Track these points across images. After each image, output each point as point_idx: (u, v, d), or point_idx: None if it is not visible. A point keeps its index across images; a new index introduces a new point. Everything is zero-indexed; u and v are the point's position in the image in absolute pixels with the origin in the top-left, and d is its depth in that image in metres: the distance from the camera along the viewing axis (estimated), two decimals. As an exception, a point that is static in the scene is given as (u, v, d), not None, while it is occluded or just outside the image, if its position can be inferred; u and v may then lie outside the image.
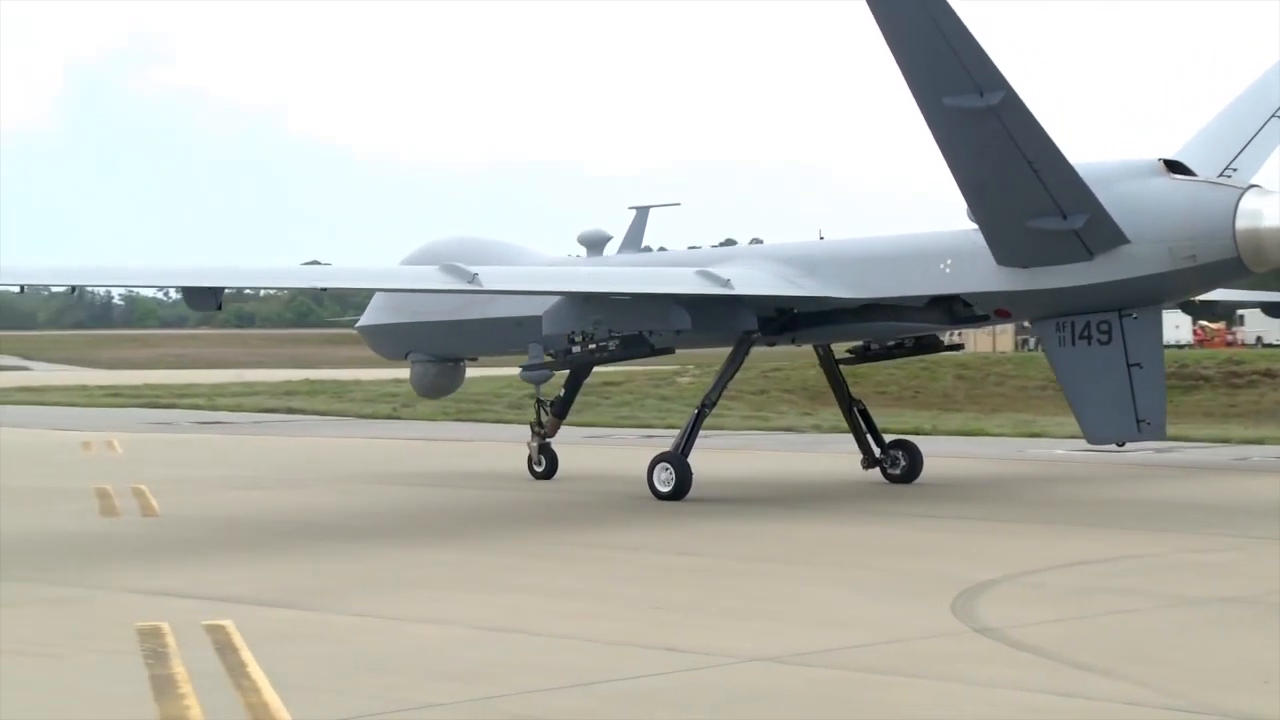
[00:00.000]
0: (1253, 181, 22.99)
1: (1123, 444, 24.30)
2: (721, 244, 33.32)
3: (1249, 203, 21.96)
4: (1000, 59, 20.71)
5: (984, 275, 23.23)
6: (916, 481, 26.36)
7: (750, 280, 24.70)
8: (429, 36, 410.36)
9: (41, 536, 20.51)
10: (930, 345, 27.10)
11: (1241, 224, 21.79)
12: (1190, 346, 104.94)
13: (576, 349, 25.29)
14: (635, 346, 25.28)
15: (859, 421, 27.44)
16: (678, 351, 27.55)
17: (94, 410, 54.21)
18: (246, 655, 12.17)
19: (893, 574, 16.41)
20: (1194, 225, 22.09)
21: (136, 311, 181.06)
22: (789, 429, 41.54)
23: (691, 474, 24.23)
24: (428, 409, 49.82)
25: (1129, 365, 22.55)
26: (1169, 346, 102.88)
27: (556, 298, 24.84)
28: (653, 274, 25.53)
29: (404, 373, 34.67)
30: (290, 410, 52.91)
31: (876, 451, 27.20)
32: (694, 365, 63.68)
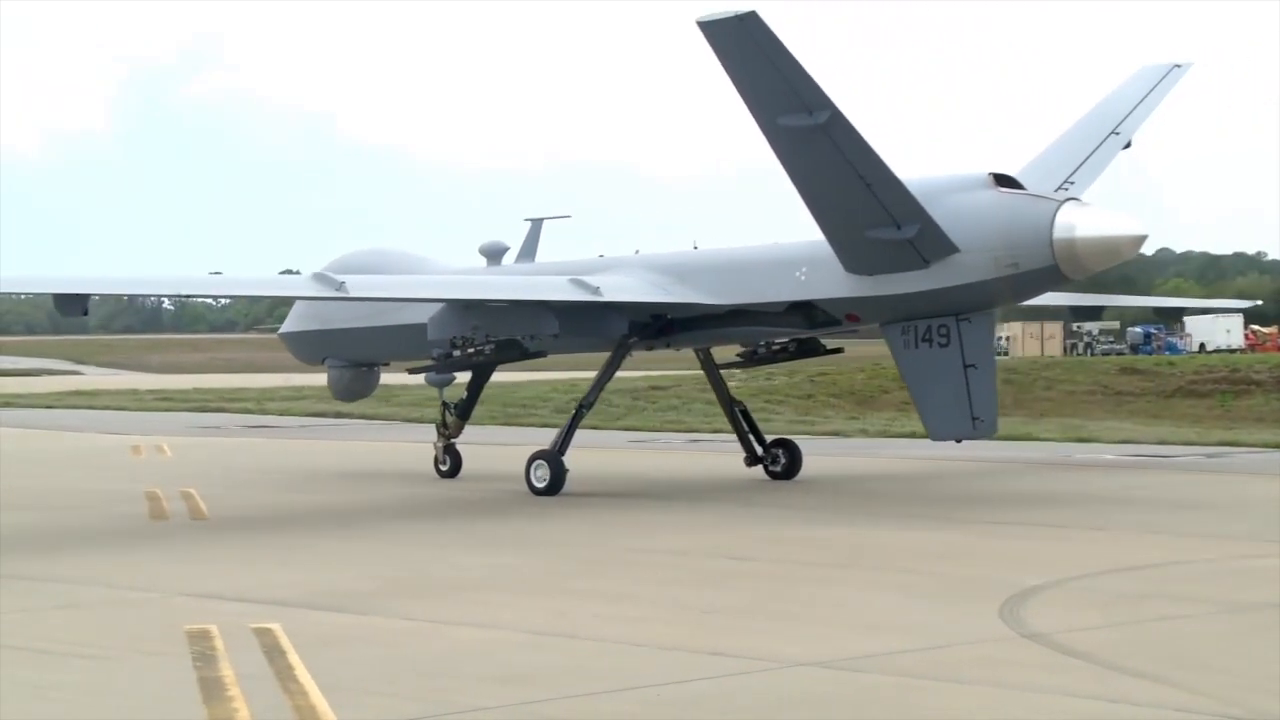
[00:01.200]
0: (1073, 194, 24.58)
1: (960, 441, 25.07)
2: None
3: (1065, 215, 23.43)
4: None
5: (834, 282, 24.76)
6: (799, 478, 27.94)
7: (622, 287, 26.33)
8: (481, 39, 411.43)
9: (91, 539, 20.66)
10: (811, 349, 28.44)
11: (1058, 234, 23.29)
12: (1242, 351, 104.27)
13: (457, 353, 27.14)
14: (509, 350, 27.02)
15: (741, 422, 28.75)
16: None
17: (144, 414, 54.57)
18: (294, 658, 12.21)
19: (941, 579, 16.33)
20: (1015, 235, 23.56)
21: (186, 316, 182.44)
22: (836, 433, 41.41)
23: (566, 471, 25.72)
24: (474, 414, 49.93)
25: (965, 366, 23.97)
26: (1221, 351, 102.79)
27: (440, 305, 26.89)
28: (525, 282, 27.55)
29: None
30: (338, 414, 53.10)
31: (759, 450, 28.55)
32: (741, 370, 63.59)
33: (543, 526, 21.73)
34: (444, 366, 28.13)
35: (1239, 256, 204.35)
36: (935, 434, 24.71)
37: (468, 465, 29.90)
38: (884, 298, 24.33)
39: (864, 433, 41.19)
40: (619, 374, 28.29)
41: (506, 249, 29.98)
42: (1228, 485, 26.74)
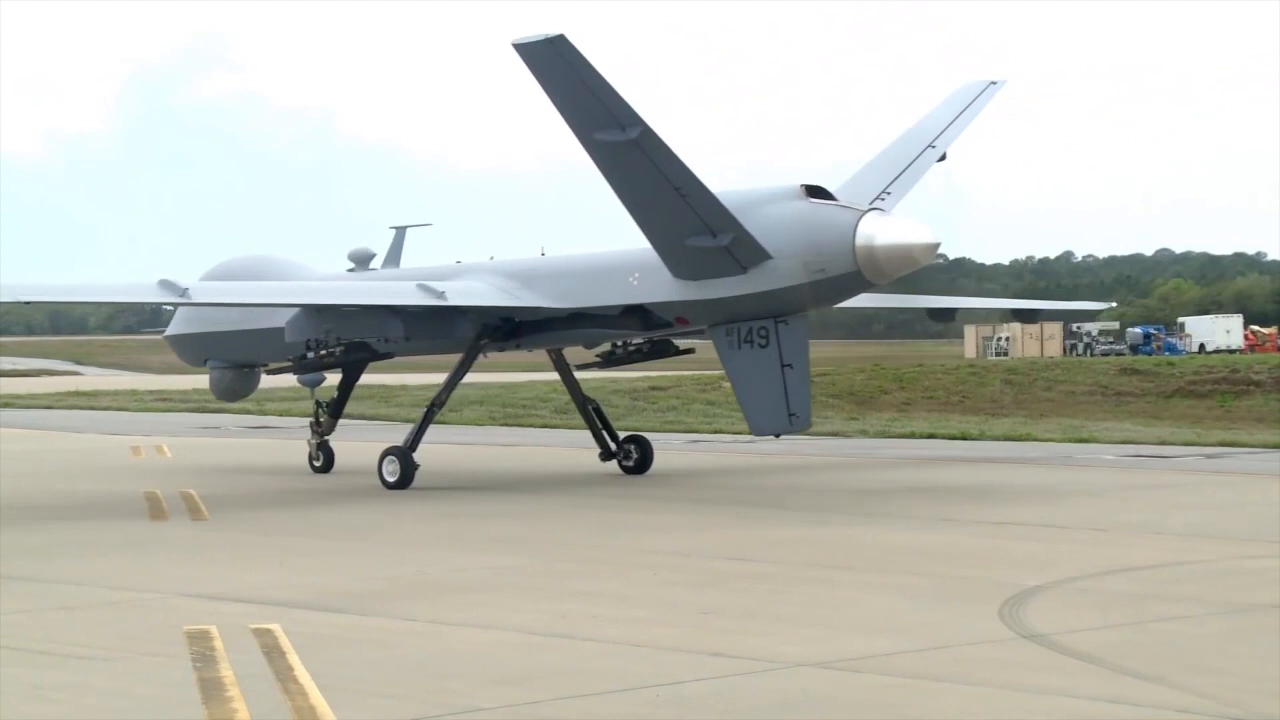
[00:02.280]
0: (890, 204, 26.36)
1: (779, 435, 26.87)
2: None
3: (867, 224, 25.20)
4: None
5: (664, 287, 26.47)
6: (648, 472, 29.73)
7: (470, 292, 27.94)
8: (481, 40, 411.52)
9: (91, 540, 20.65)
10: (663, 350, 30.15)
11: (860, 242, 25.07)
12: (1241, 351, 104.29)
13: (311, 355, 28.88)
14: (359, 351, 28.95)
15: (594, 420, 30.63)
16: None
17: (143, 415, 54.58)
18: (294, 659, 12.22)
19: (940, 579, 16.33)
20: (822, 243, 25.30)
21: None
22: (835, 434, 41.41)
23: (415, 466, 27.29)
24: (474, 414, 49.96)
25: (783, 366, 25.59)
26: (1221, 351, 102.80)
27: (296, 310, 28.46)
28: (372, 287, 28.95)
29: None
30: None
31: (612, 446, 30.44)
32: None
33: (542, 528, 21.73)
34: (299, 368, 29.74)
35: (1239, 257, 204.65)
36: (756, 429, 26.33)
37: (474, 466, 29.92)
38: (708, 301, 26.00)
39: (864, 433, 41.18)
40: (619, 375, 28.79)
41: (374, 255, 31.69)
42: (1227, 486, 26.74)
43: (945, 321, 39.11)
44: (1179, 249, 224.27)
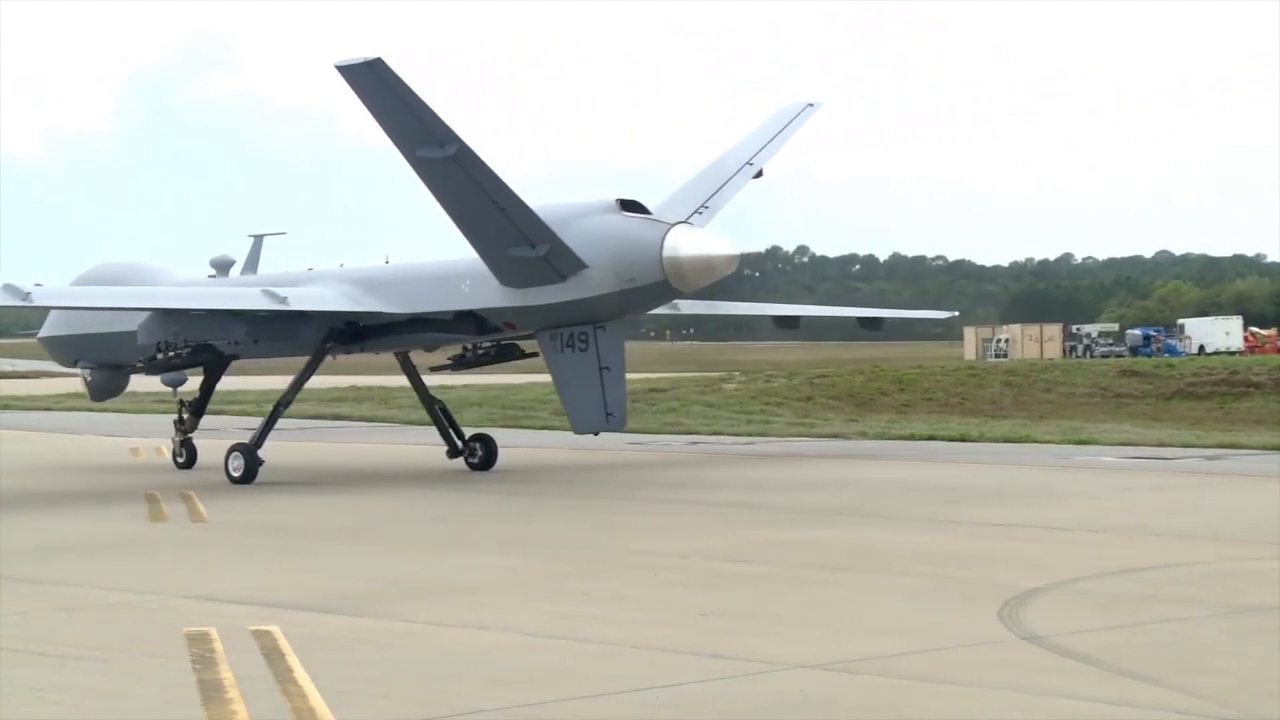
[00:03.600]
0: (709, 218, 28.71)
1: (597, 433, 28.59)
2: None
3: (673, 237, 27.41)
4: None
5: (493, 294, 28.38)
6: (493, 467, 31.36)
7: (314, 298, 29.60)
8: (482, 40, 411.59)
9: (91, 541, 20.66)
10: (509, 353, 31.84)
11: (666, 253, 27.26)
12: (1241, 353, 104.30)
13: (161, 356, 30.47)
14: (204, 353, 30.54)
15: (441, 419, 32.39)
16: (735, 358, 31.75)
17: (143, 416, 54.61)
18: (293, 661, 12.21)
19: (940, 581, 16.33)
20: (633, 254, 27.40)
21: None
22: (835, 435, 41.40)
23: (260, 462, 29.05)
24: (473, 416, 49.93)
25: (601, 368, 27.61)
26: (1220, 353, 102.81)
27: (148, 314, 30.15)
28: (219, 293, 30.85)
29: (447, 380, 36.23)
30: (337, 417, 53.12)
31: (459, 444, 32.09)
32: (740, 372, 63.65)
33: (541, 529, 21.74)
34: (149, 368, 31.30)
35: (1238, 259, 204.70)
36: (577, 428, 28.26)
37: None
38: (532, 308, 28.03)
39: (863, 435, 41.17)
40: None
41: (233, 262, 33.33)
42: (1227, 487, 26.74)
43: (790, 328, 41.84)
44: (1179, 251, 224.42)
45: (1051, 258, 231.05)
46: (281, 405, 30.27)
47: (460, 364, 32.38)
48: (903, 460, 33.00)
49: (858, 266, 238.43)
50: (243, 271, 33.15)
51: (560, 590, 16.06)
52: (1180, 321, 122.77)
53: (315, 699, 10.94)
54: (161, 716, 10.79)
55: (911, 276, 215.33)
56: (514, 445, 39.27)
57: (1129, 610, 14.51)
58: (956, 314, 65.16)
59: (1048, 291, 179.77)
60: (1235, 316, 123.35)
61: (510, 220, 26.93)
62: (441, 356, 33.09)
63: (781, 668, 11.99)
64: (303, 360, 30.64)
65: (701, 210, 28.97)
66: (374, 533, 21.50)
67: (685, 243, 27.49)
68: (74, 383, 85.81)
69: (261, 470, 28.98)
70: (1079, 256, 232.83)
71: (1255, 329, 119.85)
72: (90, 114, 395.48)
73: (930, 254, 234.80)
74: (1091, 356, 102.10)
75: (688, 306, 35.87)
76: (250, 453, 29.13)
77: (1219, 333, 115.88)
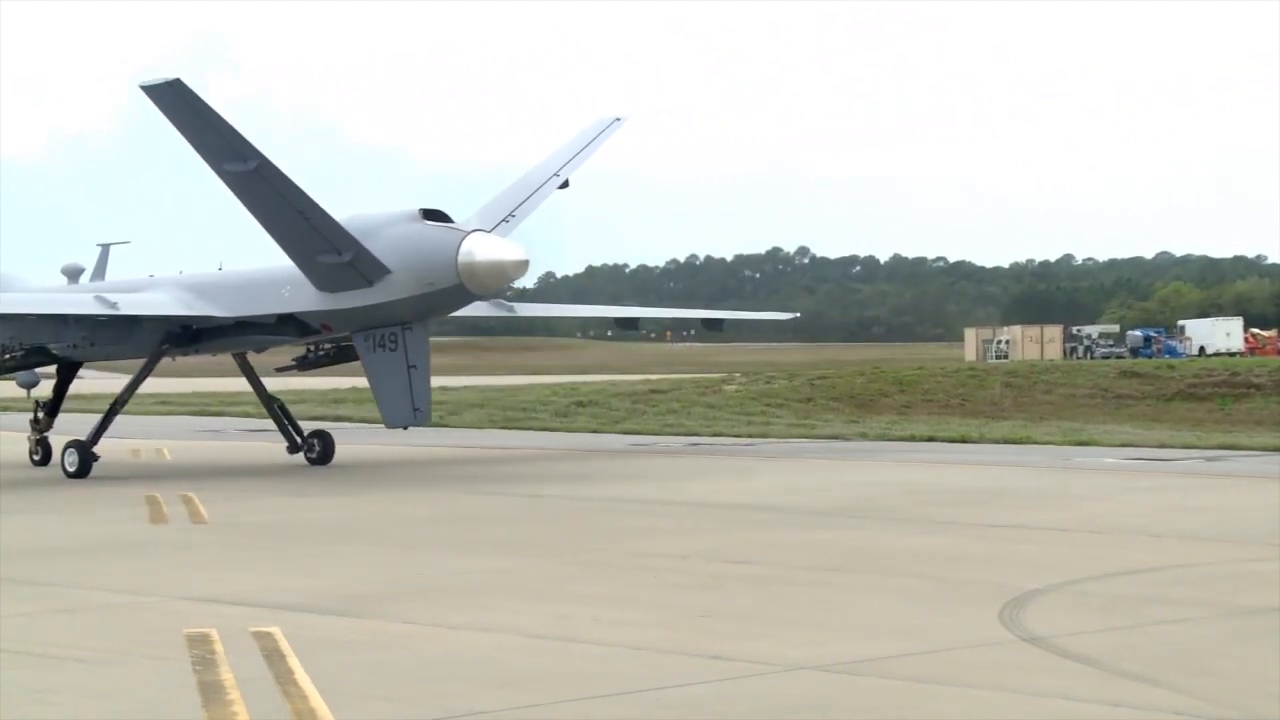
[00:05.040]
0: (514, 226, 30.96)
1: (407, 428, 31.05)
2: None
3: (468, 244, 29.53)
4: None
5: (309, 298, 30.42)
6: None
7: (147, 303, 31.44)
8: (484, 41, 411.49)
9: (92, 543, 20.67)
10: (349, 354, 33.11)
11: (461, 259, 29.35)
12: (1241, 354, 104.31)
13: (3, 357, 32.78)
14: (39, 355, 32.84)
15: (281, 417, 34.74)
16: (735, 360, 33.26)
17: (144, 418, 54.58)
18: (294, 662, 12.21)
19: (940, 582, 16.33)
20: (432, 260, 29.49)
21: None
22: (836, 437, 41.42)
23: (94, 459, 30.79)
24: (473, 418, 49.91)
25: (409, 367, 29.87)
26: (1220, 354, 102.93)
27: None
28: (54, 299, 32.87)
29: (447, 380, 36.86)
30: (338, 418, 53.12)
31: (298, 440, 34.48)
32: (740, 374, 63.63)
33: (541, 530, 21.73)
34: None
35: (1239, 260, 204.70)
36: (389, 422, 30.55)
37: (474, 468, 29.90)
38: (344, 310, 30.13)
39: (864, 436, 41.19)
40: (619, 377, 29.28)
41: (83, 269, 35.22)
42: (1227, 488, 26.74)
43: (630, 330, 43.55)
44: (1179, 252, 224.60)
45: (1052, 259, 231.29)
46: (118, 404, 31.99)
47: (303, 364, 34.59)
48: (903, 461, 33.00)
49: (858, 268, 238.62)
50: (92, 278, 35.12)
51: (560, 591, 16.06)
52: (1181, 323, 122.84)
53: (316, 700, 10.94)
54: (162, 718, 10.78)
55: (912, 278, 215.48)
56: (514, 445, 39.29)
57: (1129, 611, 14.51)
58: (799, 315, 67.86)
59: (1048, 293, 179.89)
60: (1236, 318, 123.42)
61: (315, 229, 28.99)
62: (286, 357, 35.43)
63: (782, 669, 11.99)
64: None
65: (509, 219, 31.16)
66: (374, 534, 21.50)
67: (480, 249, 29.50)
68: (75, 384, 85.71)
69: (96, 466, 30.65)
70: (1079, 258, 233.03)
71: (1256, 330, 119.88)
72: (91, 114, 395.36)
73: (931, 255, 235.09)
74: (1092, 358, 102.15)
75: (525, 309, 38.59)
76: (85, 449, 30.64)
77: (1219, 334, 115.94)
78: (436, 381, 38.27)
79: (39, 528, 22.53)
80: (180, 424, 51.15)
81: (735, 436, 42.06)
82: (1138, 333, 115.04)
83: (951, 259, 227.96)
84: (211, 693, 11.22)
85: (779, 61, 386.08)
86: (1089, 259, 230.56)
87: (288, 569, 17.92)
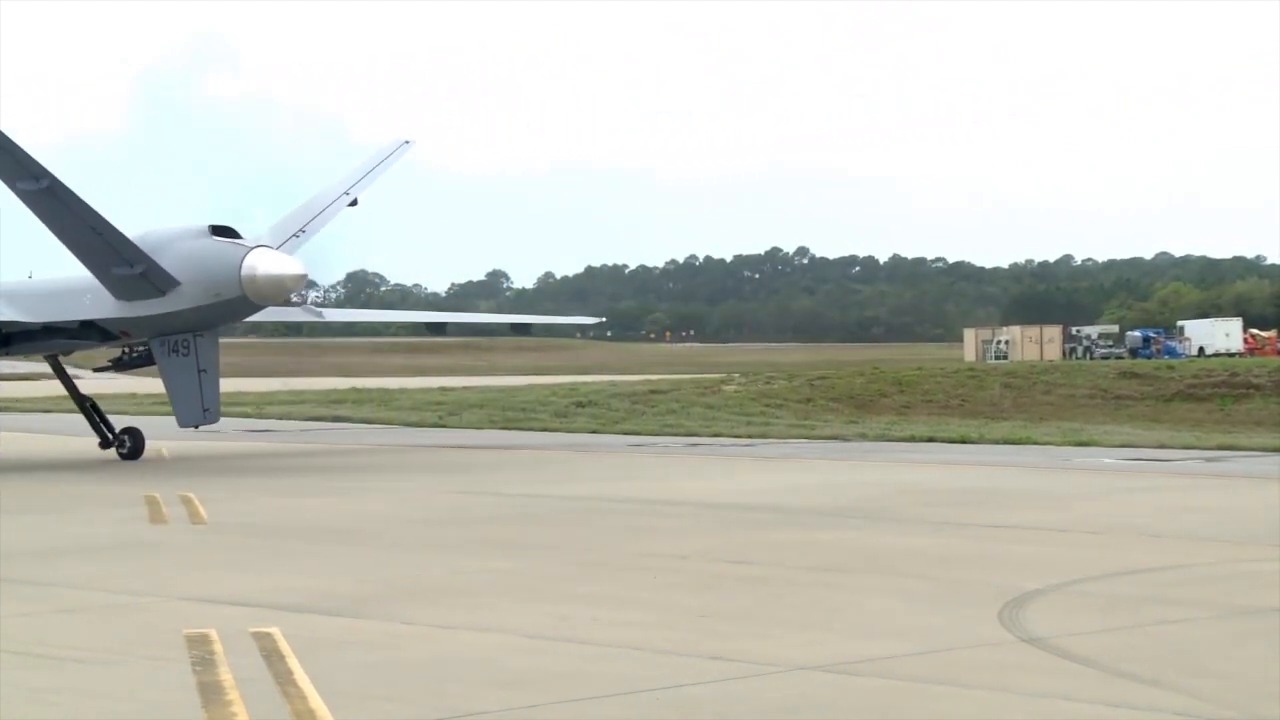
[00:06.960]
0: (304, 240, 33.67)
1: (197, 426, 33.65)
2: None
3: (251, 258, 32.22)
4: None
5: (108, 306, 33.07)
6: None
7: None
8: (486, 42, 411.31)
9: (91, 543, 20.65)
10: None
11: (244, 272, 32.06)
12: (1240, 355, 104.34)
13: None
14: None
15: (93, 415, 37.24)
16: (735, 360, 35.29)
17: (143, 418, 54.39)
18: (293, 662, 12.21)
19: (940, 582, 16.33)
20: (218, 273, 32.18)
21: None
22: (835, 437, 41.42)
23: None
24: (473, 418, 49.92)
25: (200, 370, 32.74)
26: (1220, 355, 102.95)
27: None
28: None
29: (448, 381, 37.29)
30: (337, 419, 53.16)
31: (110, 436, 36.80)
32: (740, 374, 63.66)
33: (541, 530, 21.73)
34: None
35: (1238, 260, 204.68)
36: (181, 422, 33.20)
37: (474, 469, 29.87)
38: (139, 318, 32.79)
39: (863, 436, 41.19)
40: (619, 378, 29.34)
41: None
42: (1227, 489, 26.75)
43: (439, 334, 45.97)
44: (1178, 252, 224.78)
45: (1051, 259, 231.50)
46: None
47: (119, 365, 36.67)
48: (903, 462, 33.00)
49: (858, 268, 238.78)
50: None
51: (560, 592, 16.05)
52: (1180, 323, 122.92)
53: (315, 700, 10.94)
54: (161, 718, 10.78)
55: (912, 278, 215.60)
56: (514, 446, 39.27)
57: (1129, 612, 14.51)
58: (603, 319, 70.14)
59: (1047, 293, 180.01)
60: (1235, 318, 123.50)
61: (108, 244, 31.45)
62: (104, 358, 37.99)
63: (781, 669, 11.99)
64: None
65: (299, 234, 33.80)
66: (373, 534, 21.49)
67: (262, 263, 32.09)
68: (78, 385, 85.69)
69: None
70: (1079, 258, 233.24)
71: (1255, 331, 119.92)
72: (91, 115, 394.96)
73: (930, 255, 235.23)
74: (1091, 358, 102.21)
75: (332, 315, 40.51)
76: None
77: (1219, 334, 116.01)
78: (438, 382, 38.47)
79: (39, 528, 22.52)
80: (180, 424, 51.01)
81: (735, 437, 42.05)
82: (1137, 333, 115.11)
83: (951, 259, 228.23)
84: (211, 693, 11.22)
85: (779, 61, 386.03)
86: (1088, 259, 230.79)
87: (287, 569, 17.91)
